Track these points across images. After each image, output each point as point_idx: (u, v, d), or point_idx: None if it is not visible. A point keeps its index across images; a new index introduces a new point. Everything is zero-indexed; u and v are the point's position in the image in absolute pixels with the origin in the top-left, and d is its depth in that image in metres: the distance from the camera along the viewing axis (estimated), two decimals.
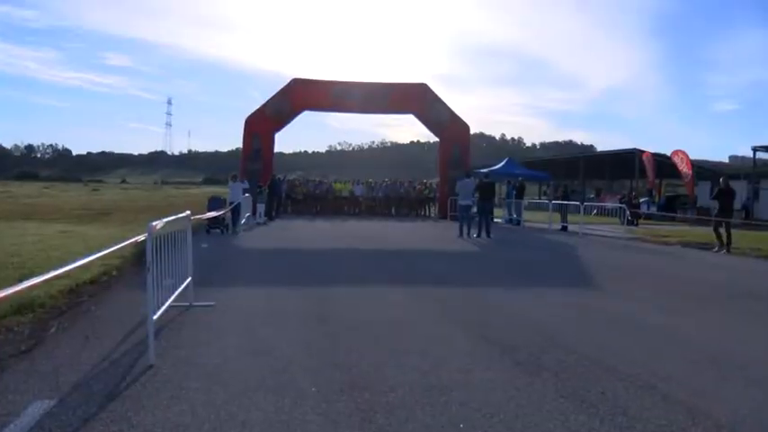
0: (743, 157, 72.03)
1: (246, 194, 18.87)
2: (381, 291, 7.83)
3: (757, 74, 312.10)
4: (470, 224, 17.05)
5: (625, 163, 36.80)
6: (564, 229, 20.42)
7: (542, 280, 9.25)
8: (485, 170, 25.27)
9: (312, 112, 29.21)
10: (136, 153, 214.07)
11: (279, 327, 5.76)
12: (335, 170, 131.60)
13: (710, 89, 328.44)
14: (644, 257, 12.88)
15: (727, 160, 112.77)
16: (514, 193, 23.29)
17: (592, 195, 38.41)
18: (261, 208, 21.34)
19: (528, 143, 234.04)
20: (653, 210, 29.15)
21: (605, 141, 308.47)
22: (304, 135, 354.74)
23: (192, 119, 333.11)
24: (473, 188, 17.39)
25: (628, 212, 24.12)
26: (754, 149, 30.67)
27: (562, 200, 21.97)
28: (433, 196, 29.02)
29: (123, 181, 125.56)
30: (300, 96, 27.15)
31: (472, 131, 29.53)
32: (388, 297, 7.39)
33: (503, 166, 28.79)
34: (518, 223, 22.33)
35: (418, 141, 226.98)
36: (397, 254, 12.67)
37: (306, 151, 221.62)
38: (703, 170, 35.52)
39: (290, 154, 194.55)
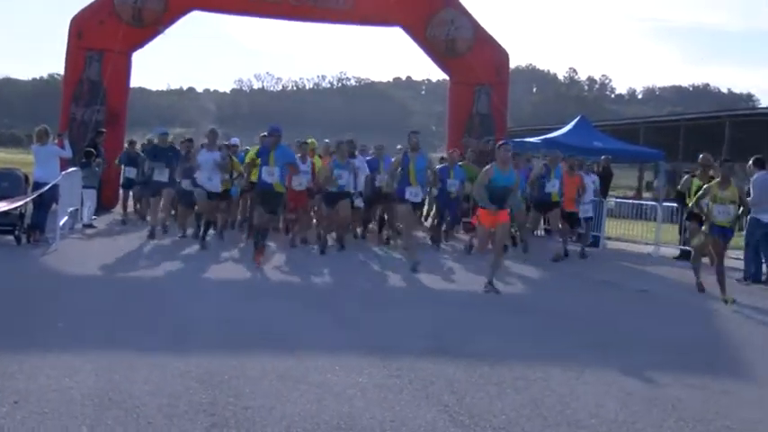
0: None
1: (73, 168, 11.16)
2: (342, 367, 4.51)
3: None
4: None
5: None
6: (687, 256, 10.93)
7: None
8: (535, 140, 15.79)
9: (206, 14, 16.91)
10: None
11: None
12: (246, 126, 78.02)
13: None
14: None
15: None
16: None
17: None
18: (89, 197, 11.98)
19: (620, 89, 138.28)
20: None
21: None
22: (191, 58, 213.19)
23: None
24: None
25: None
26: None
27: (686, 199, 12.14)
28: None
29: None
30: None
31: (514, 64, 16.98)
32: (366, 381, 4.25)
33: (570, 131, 16.24)
34: (594, 242, 13.00)
35: (407, 79, 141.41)
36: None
37: (192, 88, 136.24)
38: None
39: (161, 92, 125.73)
